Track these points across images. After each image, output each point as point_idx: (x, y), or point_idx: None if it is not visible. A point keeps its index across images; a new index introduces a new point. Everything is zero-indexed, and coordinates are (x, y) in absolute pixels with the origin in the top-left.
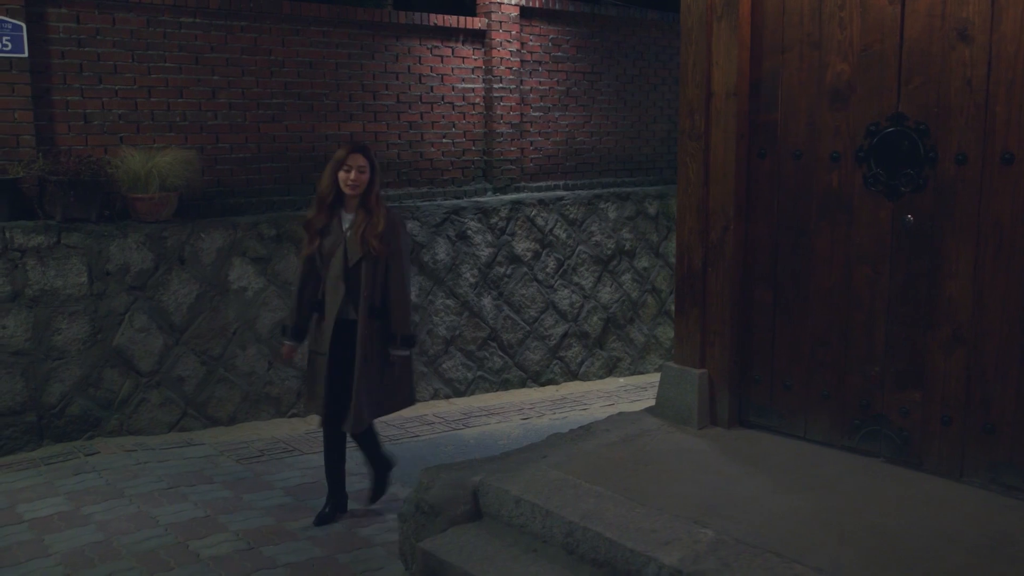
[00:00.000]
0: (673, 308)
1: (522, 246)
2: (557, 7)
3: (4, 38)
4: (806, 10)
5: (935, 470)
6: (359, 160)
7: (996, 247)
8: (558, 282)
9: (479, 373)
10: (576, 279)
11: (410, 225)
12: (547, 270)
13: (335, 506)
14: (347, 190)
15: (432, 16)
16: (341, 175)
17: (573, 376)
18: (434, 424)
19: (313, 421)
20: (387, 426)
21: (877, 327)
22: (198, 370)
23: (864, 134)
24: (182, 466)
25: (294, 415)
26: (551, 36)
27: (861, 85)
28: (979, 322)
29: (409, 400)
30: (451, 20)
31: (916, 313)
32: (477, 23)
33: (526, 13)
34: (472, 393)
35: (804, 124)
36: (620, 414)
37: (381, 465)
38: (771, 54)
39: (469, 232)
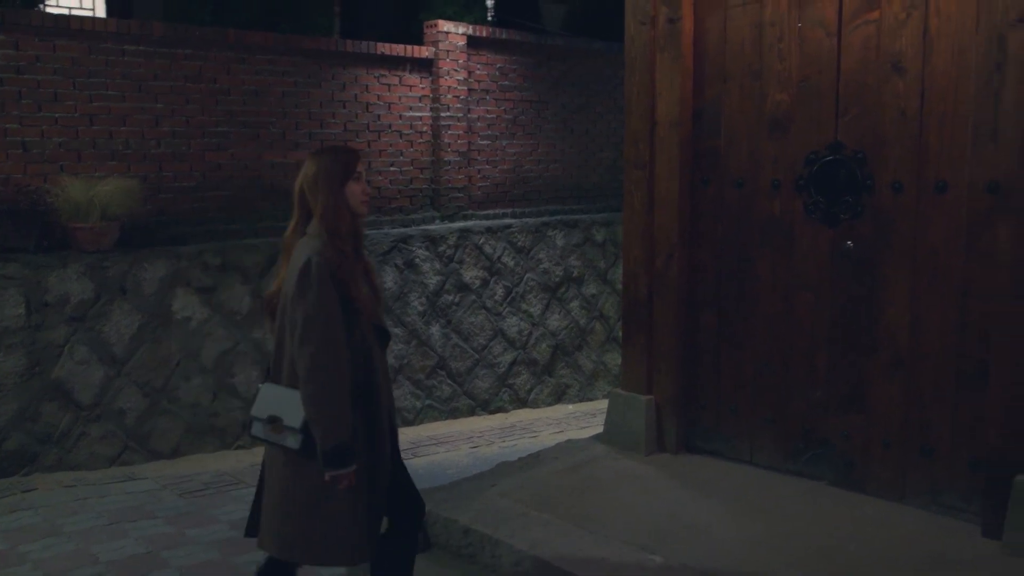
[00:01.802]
0: (621, 335)
1: (470, 274)
2: (504, 37)
3: None
4: (746, 41)
5: (878, 492)
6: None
7: (932, 273)
8: (507, 310)
9: (427, 402)
10: (524, 306)
11: None
12: (495, 298)
13: None
14: (364, 209)
15: (379, 45)
16: (356, 188)
17: (522, 404)
18: None
19: (259, 454)
20: None
21: (819, 352)
22: (140, 402)
23: (804, 162)
24: (123, 501)
25: (240, 447)
26: (498, 65)
27: (800, 115)
28: (916, 347)
29: None
30: (398, 49)
31: (856, 338)
32: (424, 52)
33: (473, 42)
34: (421, 422)
35: (746, 153)
36: (569, 441)
37: None
38: (713, 84)
39: (417, 260)
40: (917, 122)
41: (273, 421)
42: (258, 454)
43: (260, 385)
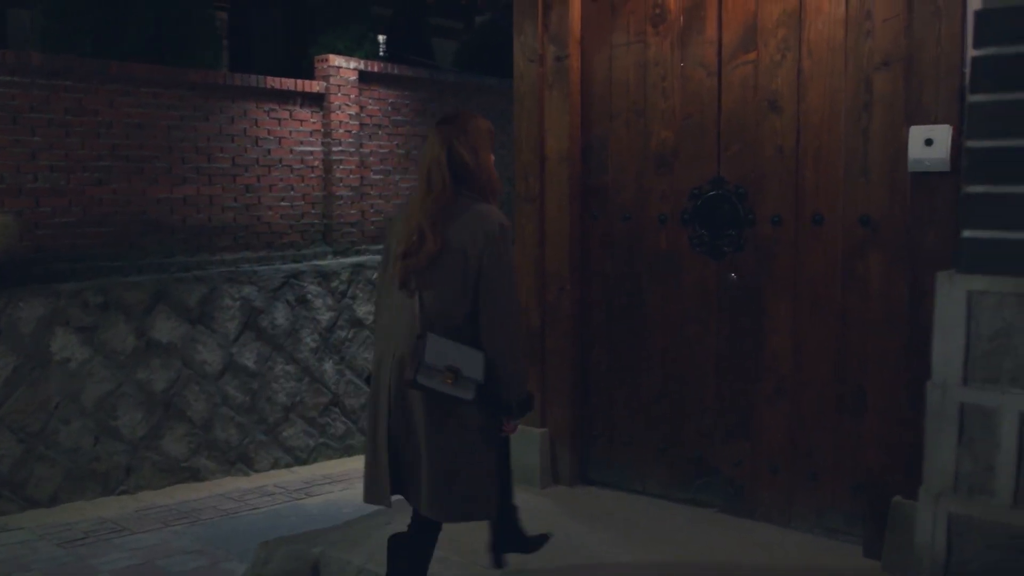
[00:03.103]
0: None
1: (364, 309)
2: (396, 72)
3: None
4: (632, 80)
5: (766, 517)
6: None
7: (811, 303)
8: None
9: (321, 440)
10: None
11: (247, 290)
12: None
13: None
14: None
15: (268, 79)
16: (491, 155)
17: None
18: (275, 495)
19: (144, 499)
20: (224, 499)
21: (707, 382)
22: (15, 448)
23: (688, 197)
24: None
25: (123, 492)
26: (390, 100)
27: (684, 151)
28: (799, 374)
29: None
30: (288, 83)
31: (742, 368)
32: (315, 86)
33: (365, 77)
34: (315, 461)
35: (633, 188)
36: None
37: None
38: (600, 121)
39: (309, 296)
40: (794, 158)
41: (452, 371)
42: (143, 499)
43: (426, 335)
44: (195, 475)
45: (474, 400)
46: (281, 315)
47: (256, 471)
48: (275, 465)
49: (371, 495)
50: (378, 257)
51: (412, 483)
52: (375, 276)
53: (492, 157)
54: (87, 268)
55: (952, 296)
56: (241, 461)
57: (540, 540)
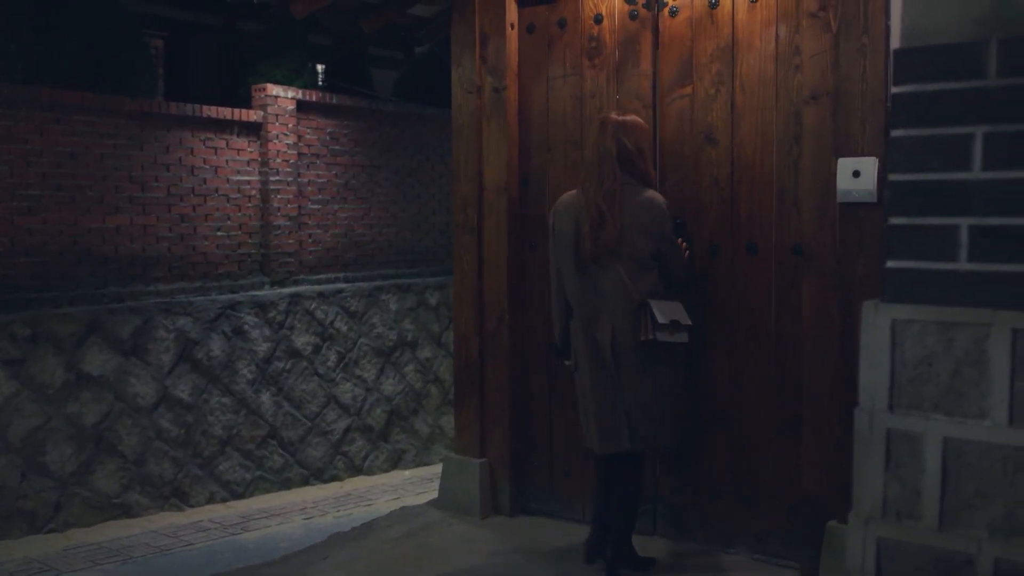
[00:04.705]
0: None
1: (302, 340)
2: (334, 101)
3: None
4: (568, 112)
5: (706, 543)
6: None
7: (748, 330)
8: (340, 375)
9: (258, 473)
10: (358, 372)
11: (182, 321)
12: (328, 364)
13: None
14: None
15: (205, 108)
16: None
17: (358, 471)
18: (210, 530)
19: (73, 537)
20: (158, 536)
21: None
22: None
23: None
24: None
25: (51, 530)
26: (329, 129)
27: None
28: (737, 401)
29: None
30: (225, 112)
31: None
32: (252, 115)
33: (303, 106)
34: (251, 495)
35: None
36: (403, 508)
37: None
38: (538, 152)
39: (246, 327)
40: (729, 189)
41: (673, 324)
42: (72, 538)
43: (647, 301)
44: (127, 511)
45: (687, 342)
46: (217, 346)
47: (191, 506)
48: (211, 499)
49: (608, 443)
50: (316, 288)
51: (617, 427)
52: (312, 307)
53: (648, 150)
54: (16, 299)
55: (877, 324)
56: (175, 496)
57: (649, 562)
